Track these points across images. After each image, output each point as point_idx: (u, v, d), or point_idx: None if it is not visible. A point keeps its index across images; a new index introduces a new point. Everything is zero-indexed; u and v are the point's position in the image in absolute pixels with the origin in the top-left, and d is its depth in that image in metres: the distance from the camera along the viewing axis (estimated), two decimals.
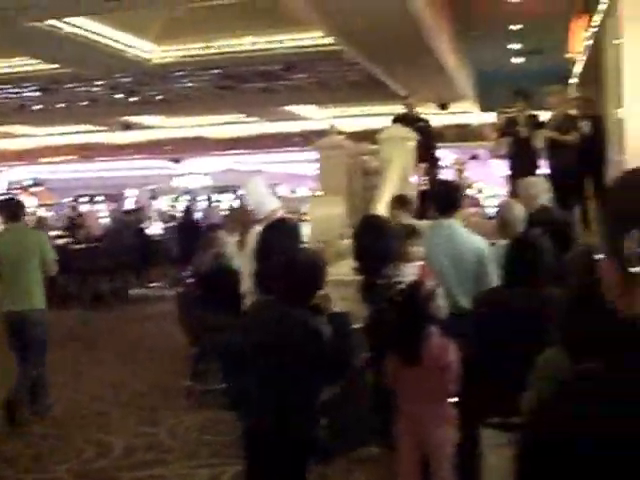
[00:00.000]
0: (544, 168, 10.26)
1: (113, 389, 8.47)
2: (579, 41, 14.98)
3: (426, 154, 10.01)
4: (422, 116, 11.23)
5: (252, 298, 4.88)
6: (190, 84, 17.15)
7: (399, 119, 10.31)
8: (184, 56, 13.83)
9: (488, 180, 22.30)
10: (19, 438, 6.73)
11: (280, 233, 4.64)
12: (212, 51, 13.54)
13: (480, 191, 22.17)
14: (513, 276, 3.93)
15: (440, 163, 12.02)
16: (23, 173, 30.73)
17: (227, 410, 4.21)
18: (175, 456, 6.22)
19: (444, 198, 5.28)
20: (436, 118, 17.02)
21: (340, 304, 5.57)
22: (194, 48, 13.70)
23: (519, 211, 5.57)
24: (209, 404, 7.29)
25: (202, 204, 26.25)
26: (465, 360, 4.16)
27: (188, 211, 18.37)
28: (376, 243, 4.51)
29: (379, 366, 4.40)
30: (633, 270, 1.14)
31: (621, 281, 1.18)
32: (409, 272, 4.62)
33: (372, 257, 4.54)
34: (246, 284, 5.47)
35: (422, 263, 4.77)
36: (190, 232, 14.44)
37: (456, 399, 4.77)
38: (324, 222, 7.40)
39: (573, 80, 16.40)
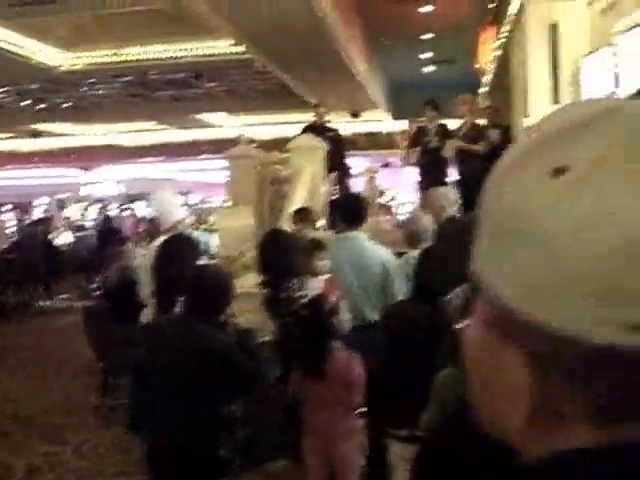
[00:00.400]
0: (453, 177, 10.44)
1: (16, 405, 8.18)
2: (488, 51, 15.36)
3: (336, 163, 10.04)
4: (332, 125, 11.27)
5: (152, 312, 4.82)
6: (100, 91, 16.86)
7: (309, 128, 10.31)
8: (94, 63, 13.60)
9: (401, 188, 22.56)
10: None
11: (178, 247, 4.59)
12: (122, 58, 13.34)
13: (393, 199, 22.42)
14: (421, 288, 3.94)
15: (351, 171, 12.08)
16: None
17: (128, 430, 4.09)
18: (80, 475, 6.05)
19: (349, 210, 5.30)
20: (348, 126, 17.16)
21: (247, 317, 5.56)
22: (104, 55, 13.48)
23: (427, 222, 5.63)
24: (118, 421, 7.11)
25: (113, 212, 25.83)
26: (374, 373, 4.18)
27: (107, 219, 18.06)
28: (281, 257, 4.50)
29: (287, 380, 4.38)
30: None
31: None
32: (315, 286, 4.61)
33: (277, 271, 4.53)
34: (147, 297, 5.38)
35: (328, 277, 4.77)
36: (108, 241, 14.17)
37: (363, 412, 4.81)
38: (232, 233, 7.31)
39: (483, 89, 16.78)
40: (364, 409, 4.73)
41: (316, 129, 10.16)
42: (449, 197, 6.61)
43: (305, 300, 4.44)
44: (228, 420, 4.25)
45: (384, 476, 4.91)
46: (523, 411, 0.65)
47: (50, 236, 17.40)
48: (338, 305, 4.25)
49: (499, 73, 14.14)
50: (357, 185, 13.04)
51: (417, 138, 10.46)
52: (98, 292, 8.29)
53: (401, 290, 5.08)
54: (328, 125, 11.02)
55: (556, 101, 9.38)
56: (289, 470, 4.99)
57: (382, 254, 5.12)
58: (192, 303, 3.83)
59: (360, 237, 5.18)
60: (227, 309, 3.94)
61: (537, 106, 9.91)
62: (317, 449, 4.28)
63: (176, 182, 29.65)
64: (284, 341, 4.59)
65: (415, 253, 5.30)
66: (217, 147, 19.35)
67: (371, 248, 5.16)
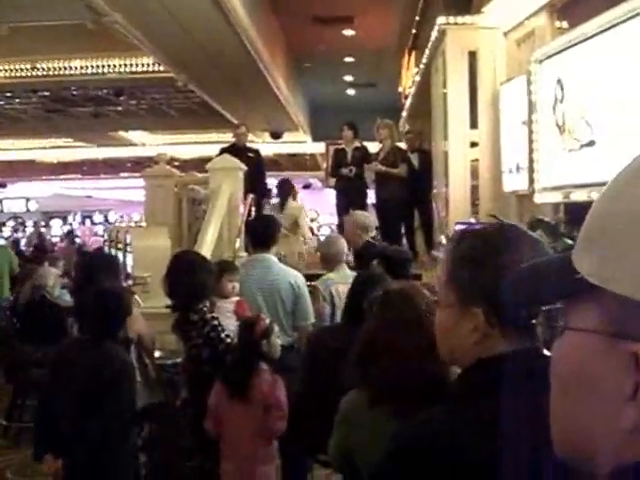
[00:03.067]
0: (371, 199, 10.60)
1: None
2: (409, 76, 15.62)
3: (255, 184, 10.07)
4: (252, 146, 11.32)
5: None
6: (18, 106, 16.54)
7: (228, 149, 10.34)
8: (10, 76, 13.33)
9: (322, 209, 22.70)
10: None
11: (98, 267, 4.58)
12: (39, 73, 13.13)
13: (313, 220, 22.52)
14: (353, 312, 3.90)
15: (271, 193, 12.14)
16: None
17: (33, 458, 4.02)
18: None
19: (259, 232, 5.36)
20: (270, 147, 17.25)
21: (161, 338, 5.55)
22: (20, 69, 13.24)
23: (341, 246, 5.72)
24: (27, 443, 6.96)
25: (29, 230, 25.35)
26: (295, 396, 4.21)
27: (40, 235, 17.70)
28: (187, 279, 4.50)
29: (198, 405, 4.37)
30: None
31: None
32: (226, 308, 4.65)
33: (184, 293, 4.53)
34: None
35: (238, 299, 4.81)
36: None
37: (283, 435, 4.83)
38: (147, 253, 7.30)
39: (404, 113, 17.02)
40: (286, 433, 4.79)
41: (236, 149, 10.20)
42: (366, 222, 6.74)
43: (216, 322, 4.46)
44: (140, 442, 4.27)
45: None
46: (632, 417, 0.66)
47: None
48: (271, 328, 4.25)
49: (420, 98, 14.35)
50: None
51: (335, 160, 10.61)
52: (8, 311, 8.13)
53: (310, 312, 5.16)
54: (248, 146, 11.06)
55: (474, 126, 9.61)
56: None
57: (292, 276, 5.19)
58: (89, 322, 3.90)
59: (270, 259, 5.24)
60: (123, 326, 3.96)
61: (456, 131, 10.11)
62: (237, 472, 4.28)
63: (95, 200, 29.28)
64: (194, 364, 4.59)
65: (331, 275, 5.37)
66: (137, 165, 19.25)
67: (280, 269, 5.23)
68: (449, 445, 1.35)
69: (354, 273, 5.88)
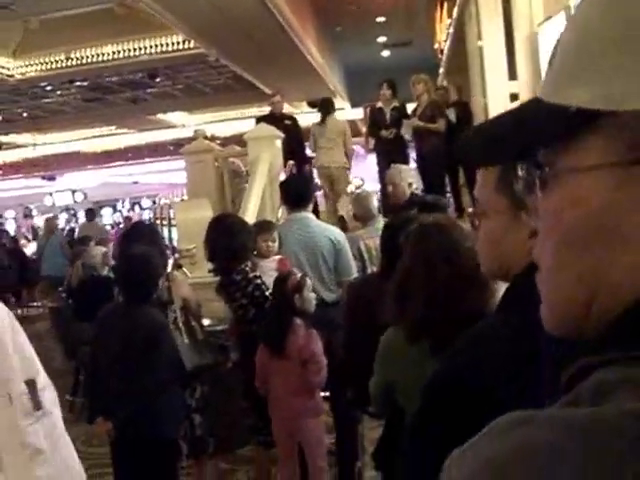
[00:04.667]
0: (413, 159, 10.51)
1: None
2: (443, 29, 15.38)
3: (294, 152, 10.08)
4: (288, 113, 11.31)
5: None
6: (55, 98, 16.74)
7: (265, 118, 10.34)
8: (46, 69, 13.50)
9: (366, 175, 22.53)
10: None
11: (137, 236, 4.66)
12: (74, 62, 13.26)
13: (358, 187, 22.37)
14: (388, 263, 3.86)
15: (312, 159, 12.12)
16: None
17: (88, 422, 4.15)
18: None
19: (295, 192, 5.37)
20: (309, 117, 17.16)
21: (209, 307, 5.63)
22: (56, 60, 13.38)
23: (372, 202, 5.81)
24: None
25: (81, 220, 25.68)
26: (337, 351, 4.23)
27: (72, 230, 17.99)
28: (226, 242, 4.54)
29: (248, 366, 4.43)
30: None
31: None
32: (268, 267, 4.69)
33: (225, 256, 4.57)
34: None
35: (279, 257, 4.84)
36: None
37: (328, 390, 4.89)
38: (191, 225, 7.36)
39: (441, 70, 16.77)
40: (328, 388, 4.84)
41: (272, 118, 10.20)
42: (408, 175, 6.70)
43: (259, 281, 4.51)
44: (195, 403, 4.36)
45: (355, 453, 5.02)
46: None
47: (18, 246, 17.40)
48: (303, 282, 4.29)
49: (455, 51, 14.14)
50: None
51: (374, 121, 10.52)
52: (64, 293, 8.33)
53: (352, 267, 5.18)
54: (284, 113, 11.06)
55: (513, 77, 9.43)
56: (260, 454, 5.06)
57: (331, 232, 5.20)
58: (121, 287, 4.00)
59: (308, 217, 5.25)
60: (157, 287, 4.07)
61: (494, 84, 9.96)
62: (283, 427, 4.34)
63: (141, 185, 29.55)
64: (241, 324, 4.66)
65: (359, 231, 5.39)
66: (179, 147, 19.29)
67: (320, 227, 5.24)
68: (488, 371, 1.32)
69: None
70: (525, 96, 8.97)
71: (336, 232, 5.25)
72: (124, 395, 3.82)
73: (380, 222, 5.73)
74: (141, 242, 4.33)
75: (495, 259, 1.45)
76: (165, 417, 3.93)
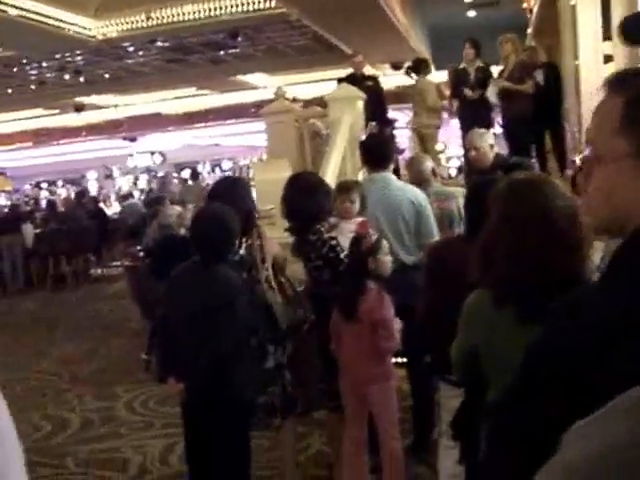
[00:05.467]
0: (497, 123, 10.20)
1: (72, 367, 8.43)
2: None
3: (376, 113, 9.90)
4: (370, 74, 11.11)
5: None
6: (138, 59, 16.85)
7: (346, 78, 10.19)
8: (126, 30, 13.56)
9: (449, 140, 22.11)
10: None
11: (216, 190, 4.56)
12: (154, 22, 13.27)
13: (441, 152, 22.00)
14: (473, 225, 3.68)
15: (395, 123, 11.93)
16: None
17: (159, 382, 4.14)
18: (130, 428, 6.23)
19: (374, 151, 5.19)
20: (392, 79, 16.89)
21: (287, 267, 5.52)
22: (135, 21, 13.41)
23: (425, 164, 5.82)
24: None
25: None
26: (415, 316, 4.05)
27: (151, 190, 18.27)
28: (304, 200, 4.42)
29: (323, 328, 4.35)
30: None
31: None
32: (347, 229, 4.54)
33: (301, 215, 4.46)
34: None
35: (361, 219, 4.67)
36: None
37: (404, 356, 4.76)
38: (269, 186, 7.26)
39: (530, 30, 16.29)
40: (406, 354, 4.71)
41: (353, 79, 10.04)
42: (489, 138, 6.50)
43: (335, 242, 4.39)
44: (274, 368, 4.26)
45: (432, 421, 4.89)
46: None
47: (99, 206, 17.75)
48: (378, 245, 4.18)
49: (546, 11, 13.68)
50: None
51: (456, 82, 10.24)
52: (141, 253, 8.38)
53: (433, 229, 4.99)
54: (366, 74, 10.88)
55: (607, 37, 9.03)
56: (333, 418, 4.98)
57: (412, 193, 5.02)
58: (196, 246, 3.89)
59: (389, 177, 5.08)
60: (233, 247, 3.96)
61: (588, 45, 9.58)
62: (352, 391, 4.27)
63: (222, 147, 29.73)
64: (316, 285, 4.55)
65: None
66: (261, 109, 19.28)
67: (400, 188, 5.06)
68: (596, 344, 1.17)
69: (444, 188, 5.75)
70: (620, 58, 8.60)
71: (417, 193, 5.05)
72: (197, 357, 3.73)
73: (435, 186, 5.57)
74: (222, 200, 4.22)
75: (611, 211, 1.28)
76: (238, 380, 3.84)
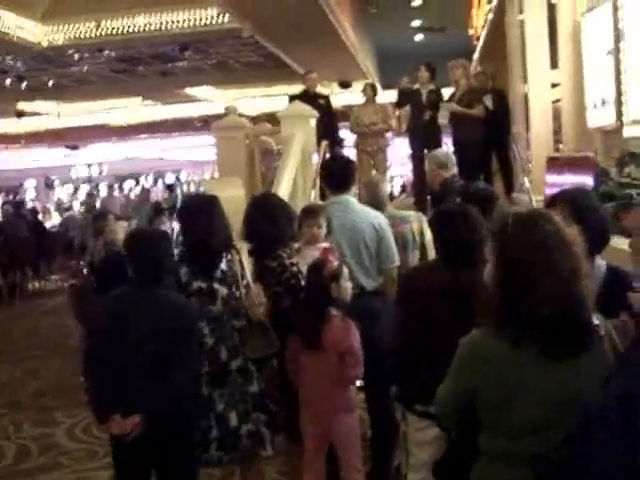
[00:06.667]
0: (445, 144, 10.24)
1: (7, 389, 8.07)
2: (480, 15, 15.10)
3: (328, 131, 9.83)
4: (322, 92, 11.05)
5: None
6: (84, 67, 16.46)
7: (297, 97, 10.10)
8: (74, 37, 13.21)
9: (393, 160, 22.19)
10: None
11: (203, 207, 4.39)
12: (104, 32, 12.97)
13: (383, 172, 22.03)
14: (447, 254, 3.57)
15: (344, 143, 11.89)
16: None
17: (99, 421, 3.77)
18: (72, 458, 5.92)
19: (335, 174, 5.05)
20: (339, 97, 16.89)
21: None
22: (86, 28, 13.08)
23: (385, 187, 5.82)
24: None
25: (103, 193, 25.59)
26: (378, 340, 4.02)
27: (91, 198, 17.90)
28: (267, 224, 4.28)
29: (283, 355, 4.21)
30: None
31: None
32: (311, 255, 4.39)
33: (263, 239, 4.31)
34: None
35: (325, 245, 4.53)
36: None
37: (364, 383, 4.62)
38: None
39: (476, 56, 16.53)
40: (363, 381, 4.57)
41: (305, 97, 9.95)
42: (443, 159, 6.45)
43: (296, 269, 4.24)
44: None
45: (392, 450, 4.75)
46: None
47: (38, 218, 17.28)
48: (339, 271, 4.07)
49: (492, 38, 13.89)
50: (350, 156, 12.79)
51: (409, 103, 10.24)
52: (84, 269, 8.10)
53: (394, 255, 4.88)
54: (318, 92, 10.81)
55: (554, 66, 9.18)
56: (289, 448, 4.82)
57: (374, 218, 4.88)
58: (139, 267, 3.73)
59: (350, 200, 4.94)
60: (166, 271, 3.77)
61: (536, 73, 9.75)
62: (314, 422, 4.13)
63: (166, 161, 29.40)
64: (276, 312, 4.39)
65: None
66: (206, 123, 19.05)
67: (361, 211, 4.92)
68: None
69: (399, 212, 5.70)
70: (566, 85, 8.75)
71: (379, 217, 4.93)
72: (151, 385, 3.50)
73: (389, 210, 5.48)
74: (200, 218, 4.09)
75: None
76: (193, 408, 3.73)
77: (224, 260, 4.12)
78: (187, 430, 3.75)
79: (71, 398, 7.22)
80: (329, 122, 9.98)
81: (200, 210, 4.24)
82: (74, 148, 26.96)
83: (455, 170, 6.48)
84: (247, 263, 4.35)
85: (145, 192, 16.93)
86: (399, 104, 10.89)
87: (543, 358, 2.20)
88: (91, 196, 19.29)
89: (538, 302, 2.20)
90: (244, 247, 4.49)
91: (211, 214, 4.19)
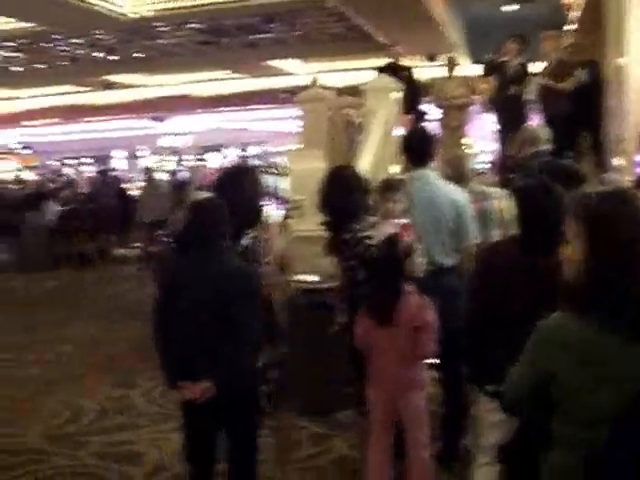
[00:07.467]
0: (536, 120, 9.94)
1: (90, 350, 8.32)
2: None
3: (411, 105, 9.69)
4: (407, 65, 10.90)
5: None
6: (170, 40, 16.62)
7: (384, 69, 9.99)
8: (161, 9, 13.30)
9: (480, 135, 21.78)
10: None
11: (232, 179, 4.39)
12: (188, 3, 13.03)
13: (469, 147, 21.66)
14: (527, 230, 3.42)
15: (428, 116, 11.72)
16: (9, 136, 30.28)
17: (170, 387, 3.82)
18: (148, 420, 6.06)
19: (415, 148, 4.95)
20: (425, 71, 16.65)
21: (313, 261, 5.34)
22: (169, 1, 13.16)
23: (467, 165, 5.75)
24: None
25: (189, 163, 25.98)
26: (453, 318, 3.91)
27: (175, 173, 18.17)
28: (342, 197, 4.24)
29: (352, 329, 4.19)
30: None
31: None
32: (385, 229, 4.33)
33: (338, 212, 4.27)
34: None
35: (403, 221, 4.47)
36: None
37: (437, 361, 4.57)
38: (303, 176, 7.09)
39: (568, 27, 16.03)
40: (436, 359, 4.52)
41: (391, 69, 9.85)
42: (533, 134, 6.30)
43: (371, 242, 4.19)
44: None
45: (463, 429, 4.69)
46: None
47: (124, 186, 17.65)
48: (413, 246, 4.02)
49: (588, 7, 13.38)
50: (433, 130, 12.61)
51: (496, 76, 9.94)
52: (167, 237, 8.25)
53: (474, 231, 4.77)
54: (403, 65, 10.67)
55: None
56: (357, 421, 4.82)
57: (454, 193, 4.79)
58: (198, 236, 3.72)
59: (429, 175, 4.84)
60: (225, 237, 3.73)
61: (636, 43, 9.29)
62: (383, 400, 4.10)
63: (250, 132, 29.56)
64: (349, 286, 4.36)
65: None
66: (292, 95, 19.03)
67: (442, 187, 4.82)
68: None
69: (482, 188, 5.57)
70: None
71: (459, 193, 4.82)
72: (224, 353, 3.53)
73: (472, 186, 5.37)
74: (226, 190, 4.06)
75: None
76: (253, 372, 3.79)
77: (249, 235, 4.09)
78: (253, 391, 3.82)
79: (149, 362, 7.34)
80: (412, 95, 9.81)
81: (230, 181, 4.23)
82: (160, 120, 27.35)
83: (546, 146, 6.31)
84: (279, 242, 4.33)
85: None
86: (486, 75, 10.58)
87: (632, 344, 2.11)
88: (176, 166, 19.53)
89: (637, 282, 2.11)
90: (275, 226, 4.48)
91: (239, 186, 4.18)
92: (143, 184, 15.78)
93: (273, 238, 4.29)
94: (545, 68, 9.32)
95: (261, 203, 4.33)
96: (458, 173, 5.41)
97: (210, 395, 3.53)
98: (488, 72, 10.16)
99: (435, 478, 4.24)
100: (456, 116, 10.58)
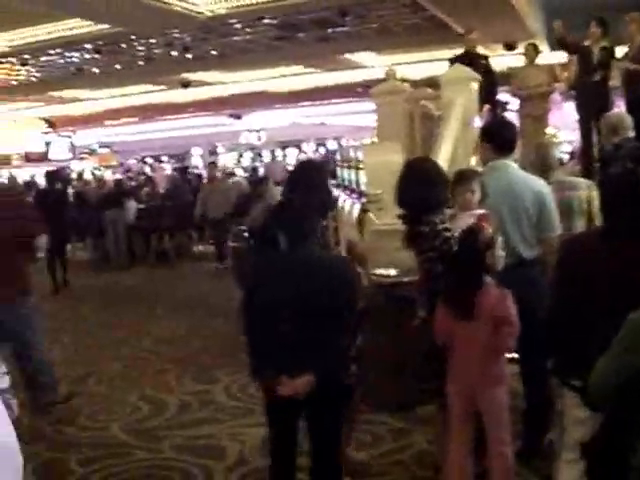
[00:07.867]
0: (620, 107, 9.61)
1: (172, 346, 8.43)
2: None
3: (489, 94, 9.48)
4: (482, 53, 10.69)
5: None
6: (244, 36, 16.73)
7: (459, 58, 9.79)
8: (235, 6, 13.38)
9: (562, 124, 21.25)
10: (76, 396, 6.65)
11: (306, 174, 4.40)
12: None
13: (552, 137, 21.18)
14: (613, 222, 3.24)
15: (507, 106, 11.50)
16: (89, 137, 31.01)
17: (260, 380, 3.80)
18: (229, 414, 6.10)
19: (496, 137, 4.83)
20: (504, 60, 16.32)
21: (392, 255, 5.29)
22: None
23: (553, 153, 5.53)
24: None
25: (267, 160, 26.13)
26: (534, 311, 3.83)
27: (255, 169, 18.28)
28: (420, 190, 4.16)
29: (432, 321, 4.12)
30: None
31: None
32: (466, 222, 4.24)
33: (416, 205, 4.20)
34: None
35: (481, 212, 4.38)
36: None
37: (513, 355, 4.46)
38: (380, 169, 7.03)
39: None
40: (517, 353, 4.42)
41: (467, 58, 9.65)
42: (615, 121, 6.12)
43: (450, 234, 4.11)
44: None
45: (546, 425, 4.58)
46: None
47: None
48: (493, 239, 3.94)
49: None
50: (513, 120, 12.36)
51: (578, 62, 9.60)
52: (245, 233, 8.31)
53: (556, 222, 4.64)
54: (480, 53, 10.46)
55: None
56: (436, 415, 4.75)
57: (535, 184, 4.66)
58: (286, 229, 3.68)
59: (511, 165, 4.73)
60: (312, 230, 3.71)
61: None
62: (464, 395, 4.02)
63: (327, 127, 29.60)
64: (427, 279, 4.29)
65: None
66: (368, 89, 18.90)
67: (523, 177, 4.71)
68: None
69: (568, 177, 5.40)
70: None
71: (541, 184, 4.69)
72: (323, 347, 3.52)
73: (557, 176, 5.22)
74: (300, 184, 4.08)
75: None
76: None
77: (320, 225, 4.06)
78: (344, 384, 3.82)
79: (230, 357, 7.42)
80: (489, 85, 9.60)
81: (302, 175, 4.27)
82: (237, 117, 27.61)
83: (631, 134, 6.10)
84: (347, 232, 4.33)
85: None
86: (571, 53, 10.03)
87: None
88: (254, 162, 19.66)
89: None
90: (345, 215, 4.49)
91: (310, 180, 4.22)
92: (205, 181, 15.95)
93: (342, 227, 4.28)
94: (630, 52, 8.99)
95: (333, 196, 4.33)
96: (544, 162, 5.30)
97: (309, 390, 3.50)
98: (572, 53, 9.77)
99: (516, 474, 4.14)
100: (539, 105, 10.30)
